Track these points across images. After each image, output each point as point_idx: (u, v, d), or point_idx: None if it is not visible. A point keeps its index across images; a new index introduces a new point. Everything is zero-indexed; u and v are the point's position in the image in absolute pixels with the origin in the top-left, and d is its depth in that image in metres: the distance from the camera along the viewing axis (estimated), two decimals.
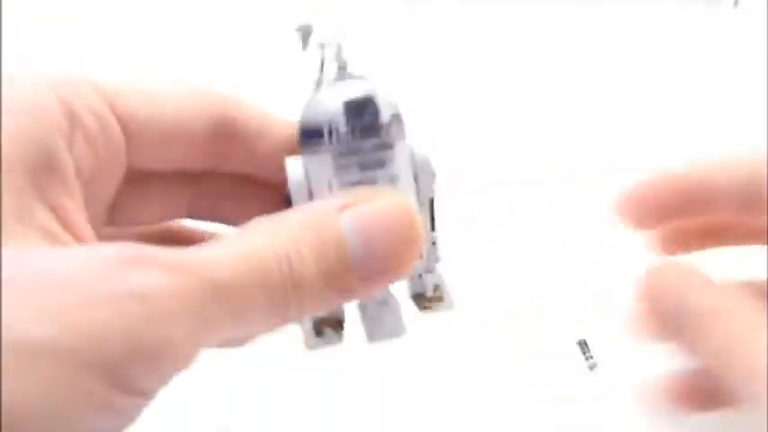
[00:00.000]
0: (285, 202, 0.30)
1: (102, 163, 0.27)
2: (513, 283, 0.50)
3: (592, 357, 0.40)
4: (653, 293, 0.31)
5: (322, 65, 0.31)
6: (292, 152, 0.30)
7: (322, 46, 0.31)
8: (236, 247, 0.23)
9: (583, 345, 0.41)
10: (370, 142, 0.29)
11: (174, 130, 0.28)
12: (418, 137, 0.31)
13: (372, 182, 0.30)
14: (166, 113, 0.28)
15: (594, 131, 0.70)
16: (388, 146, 0.30)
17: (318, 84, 0.31)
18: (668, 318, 0.30)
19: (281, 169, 0.30)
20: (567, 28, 0.90)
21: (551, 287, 0.51)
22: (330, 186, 0.30)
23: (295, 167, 0.30)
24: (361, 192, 0.27)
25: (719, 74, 0.80)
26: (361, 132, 0.29)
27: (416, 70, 0.82)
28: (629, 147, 0.68)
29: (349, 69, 0.31)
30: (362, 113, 0.29)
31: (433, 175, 0.32)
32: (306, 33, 0.32)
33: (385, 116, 0.30)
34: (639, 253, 0.49)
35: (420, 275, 0.33)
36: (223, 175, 0.32)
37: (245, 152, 0.30)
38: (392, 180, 0.30)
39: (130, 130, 0.27)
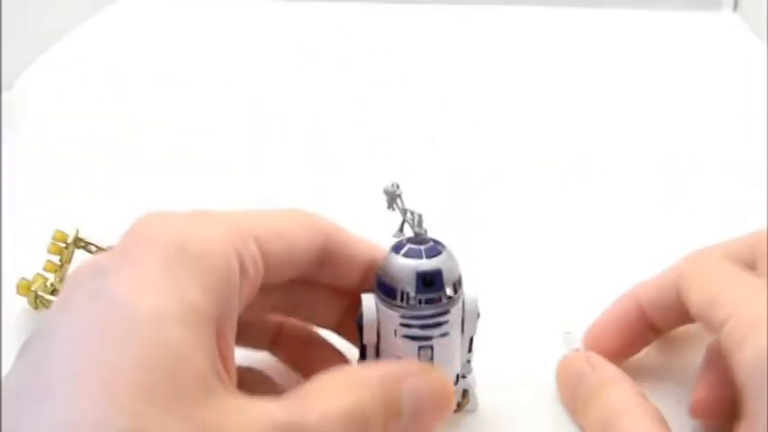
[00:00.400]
0: (358, 327, 0.39)
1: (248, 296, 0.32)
2: (510, 283, 0.50)
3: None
4: (562, 378, 0.42)
5: (402, 225, 0.38)
6: (370, 271, 0.38)
7: (404, 212, 0.38)
8: (334, 405, 0.30)
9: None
10: (433, 310, 0.37)
11: (292, 258, 0.35)
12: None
13: (428, 338, 0.37)
14: (290, 247, 0.34)
15: (596, 134, 0.70)
16: (446, 312, 0.37)
17: (397, 238, 0.38)
18: (572, 394, 0.41)
19: (360, 282, 0.39)
20: (569, 32, 0.90)
21: (548, 287, 0.51)
22: (395, 333, 0.37)
23: (369, 306, 0.38)
24: (420, 367, 0.35)
25: (720, 77, 0.80)
26: (427, 302, 0.37)
27: (416, 70, 0.82)
28: (630, 149, 0.68)
29: (425, 234, 0.38)
30: (430, 286, 0.36)
31: (477, 317, 0.39)
32: (391, 197, 0.38)
33: (448, 291, 0.37)
34: (638, 253, 0.49)
35: (455, 382, 0.40)
36: (310, 282, 0.39)
37: (335, 269, 0.38)
38: (444, 335, 0.38)
39: (266, 264, 0.33)
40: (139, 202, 0.62)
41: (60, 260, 0.50)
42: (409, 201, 0.38)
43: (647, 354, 0.44)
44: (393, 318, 0.37)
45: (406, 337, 0.37)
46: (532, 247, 0.56)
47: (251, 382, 0.30)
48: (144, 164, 0.65)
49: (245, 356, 0.37)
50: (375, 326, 0.38)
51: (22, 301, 0.48)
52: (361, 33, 0.90)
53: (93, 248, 0.50)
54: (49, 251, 0.50)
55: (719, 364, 0.38)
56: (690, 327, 0.43)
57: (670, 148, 0.68)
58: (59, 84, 0.78)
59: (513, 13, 0.94)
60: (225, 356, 0.28)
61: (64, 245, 0.50)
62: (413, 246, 0.37)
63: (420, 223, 0.37)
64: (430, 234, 0.38)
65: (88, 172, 0.64)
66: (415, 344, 0.37)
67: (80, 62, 0.83)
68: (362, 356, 0.40)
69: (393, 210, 0.38)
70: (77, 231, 0.50)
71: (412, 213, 0.37)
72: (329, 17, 0.93)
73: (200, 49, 0.87)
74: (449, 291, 0.37)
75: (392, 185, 0.38)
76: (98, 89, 0.78)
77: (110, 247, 0.36)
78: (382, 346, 0.39)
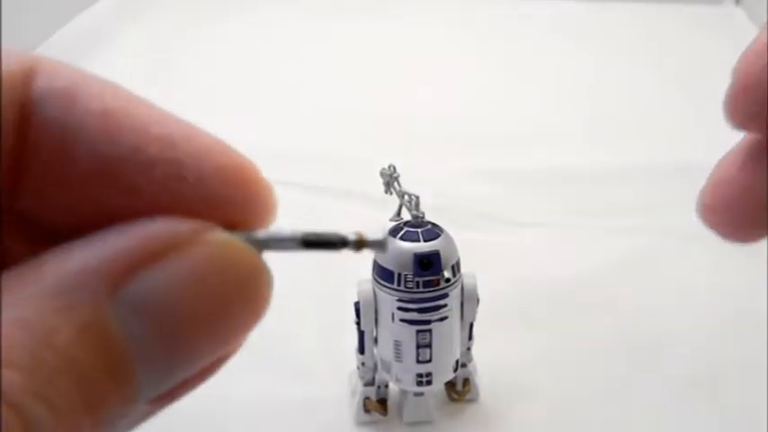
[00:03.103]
0: (356, 314, 0.38)
1: None
2: (511, 268, 0.50)
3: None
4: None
5: (400, 209, 0.37)
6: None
7: (401, 195, 0.37)
8: None
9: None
10: (431, 293, 0.36)
11: None
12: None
13: (427, 322, 0.36)
14: None
15: (596, 129, 0.70)
16: (444, 296, 0.36)
17: (395, 221, 0.37)
18: None
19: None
20: (571, 26, 0.90)
21: (551, 273, 0.52)
22: (393, 317, 0.37)
23: (366, 291, 0.37)
24: (150, 231, 0.15)
25: (722, 71, 0.79)
26: (425, 285, 0.36)
27: (413, 74, 0.82)
28: (630, 144, 0.67)
29: (423, 217, 0.37)
30: (428, 269, 0.35)
31: (477, 302, 0.38)
32: (388, 179, 0.37)
33: (447, 274, 0.36)
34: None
35: (455, 369, 0.40)
36: None
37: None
38: (443, 319, 0.37)
39: None
40: None
41: None
42: (406, 183, 0.37)
43: None
44: (390, 302, 0.36)
45: (403, 321, 0.36)
46: (533, 233, 0.56)
47: None
48: None
49: None
50: (372, 311, 0.37)
51: None
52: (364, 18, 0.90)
53: None
54: None
55: None
56: None
57: (669, 142, 0.68)
58: None
59: (518, 5, 0.94)
60: None
61: None
62: (410, 229, 0.36)
63: (417, 206, 0.37)
64: (428, 217, 0.37)
65: None
66: (413, 328, 0.36)
67: (76, 56, 0.82)
68: (360, 343, 0.39)
69: (390, 193, 0.37)
70: None
71: (409, 196, 0.37)
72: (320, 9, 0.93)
73: (196, 42, 0.87)
74: (447, 274, 0.36)
75: (389, 168, 0.37)
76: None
77: None
78: (380, 331, 0.38)
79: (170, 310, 0.14)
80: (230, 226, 0.16)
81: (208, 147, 0.16)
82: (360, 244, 0.17)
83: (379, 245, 0.17)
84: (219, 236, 0.15)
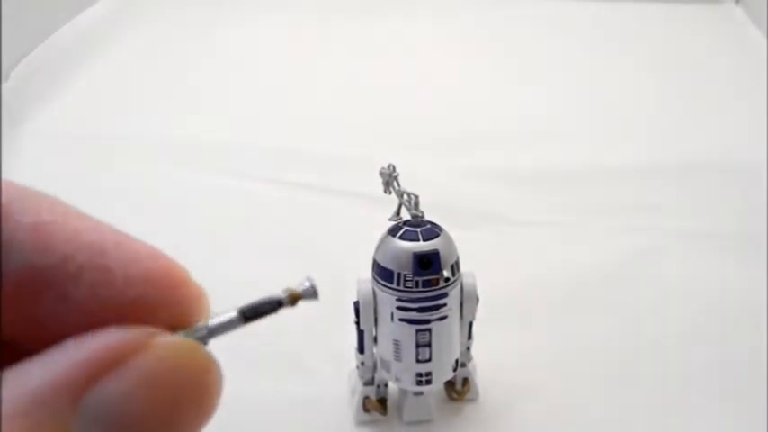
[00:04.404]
0: (355, 313, 0.38)
1: None
2: (510, 268, 0.50)
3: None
4: None
5: (399, 208, 0.37)
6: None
7: (401, 194, 0.37)
8: None
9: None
10: (430, 293, 0.36)
11: None
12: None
13: (426, 321, 0.36)
14: None
15: (596, 129, 0.69)
16: (444, 295, 0.36)
17: (394, 221, 0.37)
18: None
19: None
20: (571, 25, 0.90)
21: (550, 272, 0.52)
22: (392, 317, 0.37)
23: (365, 290, 0.37)
24: (113, 342, 0.16)
25: (721, 71, 0.79)
26: (424, 284, 0.36)
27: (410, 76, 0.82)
28: (630, 144, 0.67)
29: (422, 217, 0.37)
30: (428, 268, 0.36)
31: (477, 301, 0.38)
32: (388, 178, 0.37)
33: (446, 273, 0.36)
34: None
35: (454, 369, 0.40)
36: None
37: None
38: (442, 318, 0.37)
39: None
40: (134, 188, 0.62)
41: None
42: (406, 183, 0.37)
43: None
44: (390, 301, 0.36)
45: (403, 320, 0.36)
46: (533, 233, 0.56)
47: None
48: (138, 151, 0.65)
49: None
50: (372, 310, 0.37)
51: None
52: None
53: None
54: None
55: None
56: None
57: (669, 142, 0.68)
58: (54, 75, 0.78)
59: (519, 6, 0.94)
60: None
61: None
62: (410, 228, 0.36)
63: (417, 205, 0.37)
64: (427, 217, 0.37)
65: (85, 162, 0.64)
66: (413, 327, 0.36)
67: (76, 56, 0.82)
68: (360, 343, 0.39)
69: (389, 193, 0.37)
70: None
71: (409, 195, 0.37)
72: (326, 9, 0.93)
73: (195, 42, 0.87)
74: (446, 273, 0.36)
75: (388, 168, 0.37)
76: (92, 81, 0.78)
77: None
78: (379, 330, 0.38)
79: (128, 415, 0.15)
80: (169, 329, 0.16)
81: (137, 252, 0.17)
82: (293, 299, 0.18)
83: (310, 293, 0.18)
84: (167, 338, 0.16)
